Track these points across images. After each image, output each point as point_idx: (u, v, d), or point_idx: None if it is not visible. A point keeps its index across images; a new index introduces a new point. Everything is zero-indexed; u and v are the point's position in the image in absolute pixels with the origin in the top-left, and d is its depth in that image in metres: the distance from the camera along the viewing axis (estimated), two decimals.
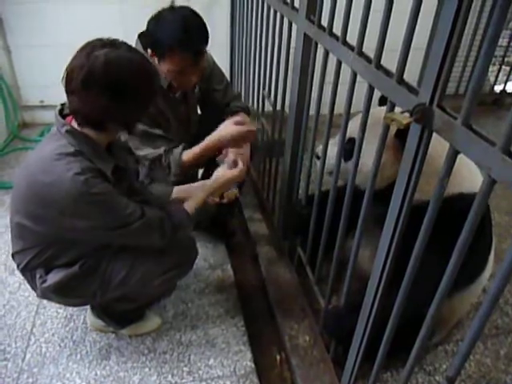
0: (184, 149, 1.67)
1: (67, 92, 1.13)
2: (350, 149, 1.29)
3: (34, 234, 1.26)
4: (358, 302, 1.23)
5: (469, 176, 1.26)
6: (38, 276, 1.33)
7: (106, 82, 1.07)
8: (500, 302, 1.84)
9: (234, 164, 1.54)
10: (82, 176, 1.10)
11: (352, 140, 1.28)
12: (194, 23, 1.53)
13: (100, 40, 1.13)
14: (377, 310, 1.15)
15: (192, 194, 1.47)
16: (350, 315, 1.30)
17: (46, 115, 3.05)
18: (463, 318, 1.71)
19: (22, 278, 1.79)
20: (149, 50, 1.57)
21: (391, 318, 1.07)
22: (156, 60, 1.57)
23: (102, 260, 1.34)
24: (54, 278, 1.32)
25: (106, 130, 1.18)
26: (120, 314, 1.56)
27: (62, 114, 1.21)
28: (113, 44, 1.12)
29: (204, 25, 1.56)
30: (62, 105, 1.22)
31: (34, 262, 1.32)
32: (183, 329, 1.66)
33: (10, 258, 1.88)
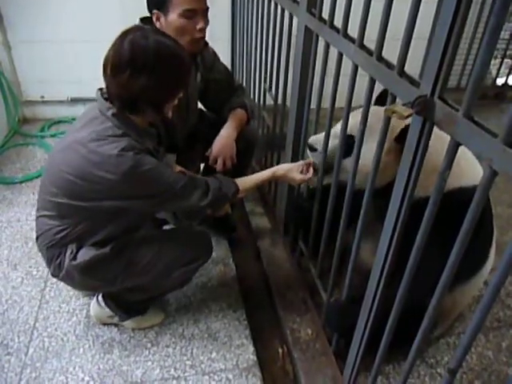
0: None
1: (105, 79, 1.20)
2: (349, 145, 1.28)
3: (78, 210, 1.30)
4: (359, 294, 1.23)
5: (467, 169, 1.25)
6: (68, 252, 1.37)
7: (132, 63, 1.13)
8: (502, 295, 1.85)
9: (306, 168, 1.52)
10: (130, 152, 1.18)
11: (351, 137, 1.27)
12: None
13: (132, 27, 1.20)
14: (378, 303, 1.15)
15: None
16: (352, 308, 1.30)
17: (46, 110, 3.05)
18: (465, 310, 1.72)
19: (24, 273, 1.83)
20: (154, 13, 1.60)
21: (393, 310, 1.07)
22: (163, 18, 1.59)
23: (130, 245, 1.40)
24: (84, 256, 1.36)
25: (140, 113, 1.24)
26: (129, 303, 1.58)
27: (103, 97, 1.26)
28: (140, 29, 1.20)
29: None
30: (101, 89, 1.27)
31: (69, 236, 1.35)
32: (186, 323, 1.67)
33: (13, 253, 1.93)
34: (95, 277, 1.42)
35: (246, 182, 1.49)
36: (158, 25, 1.63)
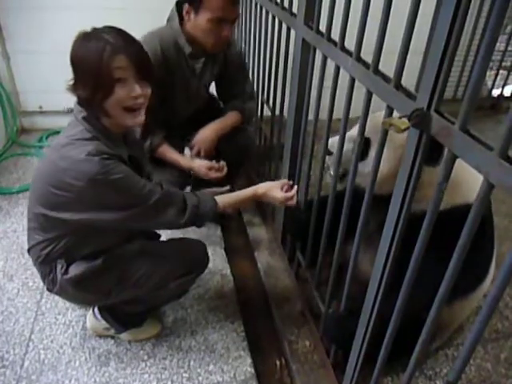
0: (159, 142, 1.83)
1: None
2: (362, 149, 1.25)
3: (56, 223, 1.28)
4: (358, 306, 1.23)
5: (475, 187, 1.25)
6: (59, 267, 1.35)
7: (72, 62, 1.18)
8: (500, 306, 1.84)
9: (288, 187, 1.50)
10: (97, 156, 1.13)
11: (367, 139, 1.27)
12: None
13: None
14: (377, 315, 1.14)
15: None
16: (350, 319, 1.30)
17: (44, 121, 3.06)
18: (464, 321, 1.71)
19: (20, 284, 1.82)
20: (185, 6, 1.66)
21: (391, 322, 1.06)
22: (193, 15, 1.65)
23: (124, 257, 1.37)
24: (76, 269, 1.34)
25: (105, 114, 1.20)
26: (126, 315, 1.56)
27: (79, 103, 1.25)
28: (95, 29, 1.22)
29: None
30: None
31: (55, 251, 1.34)
32: (183, 334, 1.66)
33: (9, 263, 1.92)
34: (89, 290, 1.40)
35: (225, 199, 1.43)
36: (186, 17, 1.68)
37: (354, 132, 1.28)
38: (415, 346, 0.98)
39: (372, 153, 1.17)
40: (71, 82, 1.19)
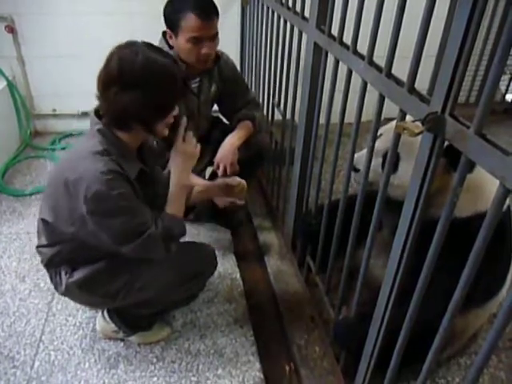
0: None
1: (96, 96, 1.20)
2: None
3: (55, 232, 1.30)
4: (368, 312, 1.21)
5: None
6: (63, 272, 1.37)
7: (119, 78, 1.12)
8: None
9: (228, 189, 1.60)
10: (106, 176, 1.13)
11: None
12: None
13: (124, 42, 1.19)
14: (388, 322, 1.13)
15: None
16: (361, 325, 1.28)
17: (57, 124, 3.10)
18: (477, 330, 1.68)
19: (32, 284, 1.84)
20: (167, 32, 1.73)
21: (403, 329, 1.05)
22: (174, 38, 1.72)
23: (129, 260, 1.34)
24: (81, 273, 1.36)
25: (129, 130, 1.22)
26: (134, 318, 1.56)
27: (97, 114, 1.24)
28: (131, 44, 1.17)
29: (213, 0, 1.73)
30: (98, 106, 1.26)
31: (57, 258, 1.36)
32: (192, 338, 1.65)
33: (21, 265, 1.94)
34: (95, 292, 1.40)
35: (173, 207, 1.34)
36: (170, 41, 1.75)
37: (376, 145, 1.22)
38: (427, 354, 0.96)
39: (402, 166, 1.15)
40: (125, 99, 1.14)
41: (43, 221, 1.32)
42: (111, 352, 1.59)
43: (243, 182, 1.63)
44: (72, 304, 1.75)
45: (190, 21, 1.65)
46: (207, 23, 1.67)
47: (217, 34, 1.73)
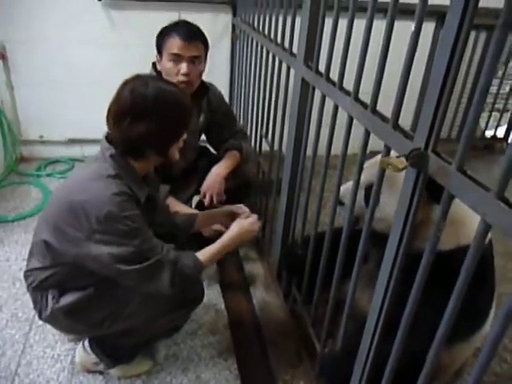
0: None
1: (108, 126, 1.23)
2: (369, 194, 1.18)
3: (56, 253, 1.28)
4: (355, 345, 1.20)
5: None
6: (50, 296, 1.34)
7: (132, 110, 1.17)
8: (499, 349, 1.80)
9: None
10: (119, 197, 1.17)
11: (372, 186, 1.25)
12: (191, 24, 1.78)
13: (133, 76, 1.25)
14: (374, 355, 1.12)
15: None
16: (347, 360, 1.27)
17: (44, 150, 3.08)
18: (462, 364, 1.67)
19: (9, 315, 1.78)
20: (156, 56, 1.78)
21: (389, 363, 1.04)
22: (160, 61, 1.77)
23: (116, 288, 1.33)
24: (67, 299, 1.33)
25: (143, 158, 1.26)
26: (116, 349, 1.52)
27: (107, 140, 1.27)
28: (139, 76, 1.25)
29: (197, 27, 1.79)
30: (109, 133, 1.29)
31: (49, 280, 1.33)
32: (174, 371, 1.61)
33: None
34: (80, 319, 1.37)
35: (207, 255, 1.39)
36: (158, 66, 1.79)
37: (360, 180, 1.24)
38: None
39: (383, 199, 1.18)
40: (139, 129, 1.18)
41: (45, 242, 1.29)
42: None
43: (248, 210, 1.62)
44: (50, 335, 1.69)
45: (171, 40, 1.72)
46: (188, 43, 1.72)
47: (199, 57, 1.76)
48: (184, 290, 1.37)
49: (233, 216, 1.62)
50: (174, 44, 1.71)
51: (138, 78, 1.23)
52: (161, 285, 1.27)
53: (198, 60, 1.76)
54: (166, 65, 1.74)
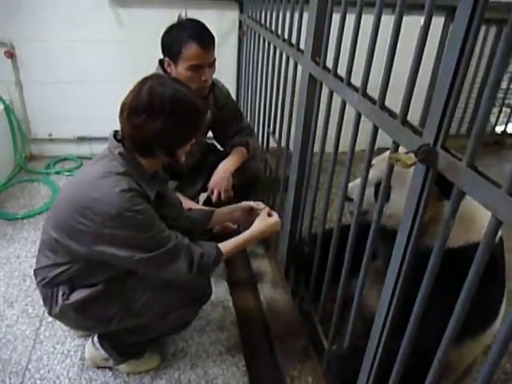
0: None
1: (121, 121, 1.24)
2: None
3: (67, 250, 1.29)
4: (362, 342, 1.20)
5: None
6: (60, 293, 1.35)
7: (149, 107, 1.18)
8: (509, 346, 1.79)
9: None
10: (129, 193, 1.18)
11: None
12: (200, 24, 1.77)
13: (151, 75, 1.29)
14: (382, 354, 1.11)
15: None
16: (355, 357, 1.26)
17: (53, 148, 3.10)
18: (471, 362, 1.66)
19: (20, 310, 1.80)
20: (166, 60, 1.76)
21: (397, 361, 1.03)
22: (173, 66, 1.75)
23: (126, 285, 1.36)
24: (78, 295, 1.35)
25: (152, 156, 1.27)
26: (126, 345, 1.53)
27: (115, 138, 1.29)
28: (158, 76, 1.28)
29: (207, 28, 1.77)
30: (116, 131, 1.30)
31: (60, 277, 1.34)
32: (182, 367, 1.62)
33: (9, 290, 1.90)
34: (90, 316, 1.39)
35: (228, 247, 1.42)
36: (168, 69, 1.77)
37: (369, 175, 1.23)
38: None
39: (393, 195, 1.17)
40: (153, 127, 1.19)
41: (52, 239, 1.30)
42: (99, 382, 1.54)
43: (267, 208, 1.61)
44: (60, 331, 1.71)
45: (190, 49, 1.68)
46: (207, 50, 1.71)
47: (215, 60, 1.78)
48: (196, 283, 1.41)
49: (251, 212, 1.62)
50: (195, 54, 1.69)
51: (156, 78, 1.25)
52: (179, 269, 1.29)
53: (214, 63, 1.78)
54: (185, 73, 1.72)
